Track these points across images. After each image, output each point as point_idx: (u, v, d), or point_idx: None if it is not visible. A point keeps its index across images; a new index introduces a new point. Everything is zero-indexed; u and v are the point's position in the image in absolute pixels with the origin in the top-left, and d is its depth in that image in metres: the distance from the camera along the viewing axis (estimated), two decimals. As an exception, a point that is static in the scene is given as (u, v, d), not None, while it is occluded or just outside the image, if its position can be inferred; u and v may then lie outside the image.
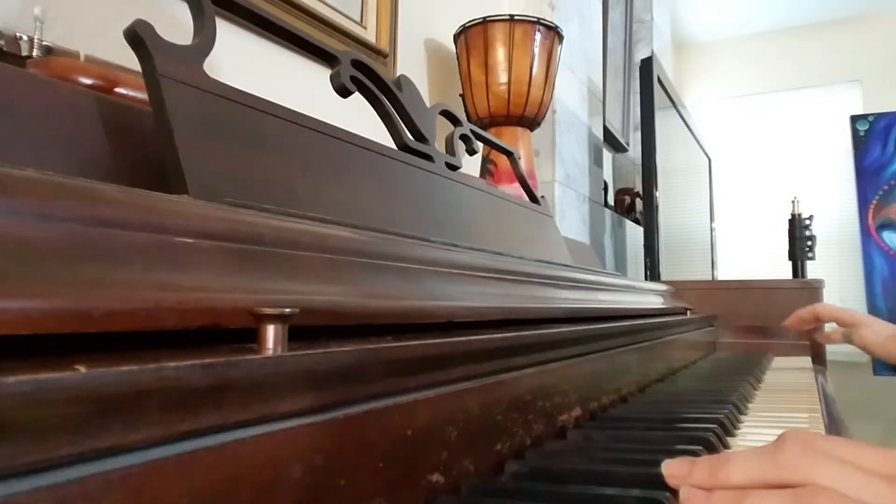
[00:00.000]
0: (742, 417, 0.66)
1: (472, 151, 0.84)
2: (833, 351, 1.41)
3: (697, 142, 3.03)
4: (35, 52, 0.59)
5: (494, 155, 1.47)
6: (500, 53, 1.45)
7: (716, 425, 0.53)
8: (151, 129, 0.40)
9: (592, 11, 2.27)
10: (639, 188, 2.61)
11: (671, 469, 0.34)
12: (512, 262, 0.62)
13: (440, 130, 0.73)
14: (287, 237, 0.33)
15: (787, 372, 1.15)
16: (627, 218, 2.70)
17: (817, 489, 0.28)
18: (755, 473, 0.30)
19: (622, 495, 0.35)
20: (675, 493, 0.33)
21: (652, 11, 3.34)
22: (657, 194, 2.05)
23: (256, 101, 0.47)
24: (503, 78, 1.46)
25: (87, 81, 0.48)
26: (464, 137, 0.82)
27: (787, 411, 0.71)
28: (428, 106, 0.72)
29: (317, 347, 0.26)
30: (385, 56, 1.37)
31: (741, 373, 0.99)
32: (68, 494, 0.17)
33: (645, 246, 2.05)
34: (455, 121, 0.82)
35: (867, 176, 3.59)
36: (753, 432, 0.59)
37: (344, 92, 0.59)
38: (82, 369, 0.17)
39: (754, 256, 3.88)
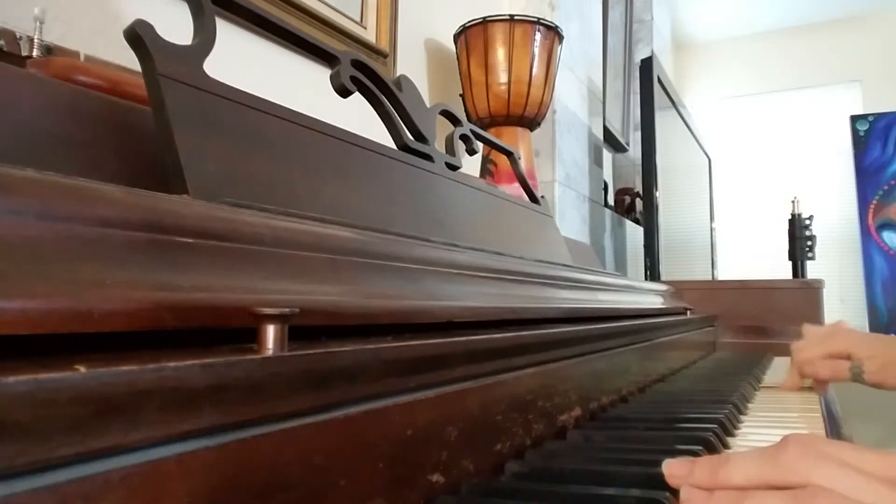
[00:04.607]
0: (742, 417, 0.66)
1: (472, 151, 0.84)
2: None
3: (697, 142, 3.03)
4: (35, 52, 0.59)
5: (494, 155, 1.47)
6: (500, 53, 1.45)
7: (716, 425, 0.53)
8: (151, 129, 0.40)
9: (592, 11, 2.27)
10: (639, 188, 2.61)
11: (672, 469, 0.34)
12: (512, 262, 0.62)
13: (440, 130, 0.73)
14: (287, 237, 0.33)
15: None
16: (627, 218, 2.70)
17: (817, 490, 0.28)
18: (756, 474, 0.30)
19: (622, 495, 0.35)
20: (675, 493, 0.33)
21: (652, 11, 3.34)
22: (657, 194, 2.05)
23: (256, 101, 0.47)
24: (503, 78, 1.46)
25: (87, 81, 0.48)
26: (464, 137, 0.82)
27: (787, 411, 0.71)
28: (428, 106, 0.72)
29: (317, 347, 0.26)
30: (385, 56, 1.37)
31: (741, 373, 0.99)
32: (68, 494, 0.17)
33: (645, 246, 2.05)
34: (455, 121, 0.82)
35: (867, 176, 3.59)
36: (753, 432, 0.59)
37: (344, 92, 0.59)
38: (82, 369, 0.17)
39: (754, 256, 3.89)
